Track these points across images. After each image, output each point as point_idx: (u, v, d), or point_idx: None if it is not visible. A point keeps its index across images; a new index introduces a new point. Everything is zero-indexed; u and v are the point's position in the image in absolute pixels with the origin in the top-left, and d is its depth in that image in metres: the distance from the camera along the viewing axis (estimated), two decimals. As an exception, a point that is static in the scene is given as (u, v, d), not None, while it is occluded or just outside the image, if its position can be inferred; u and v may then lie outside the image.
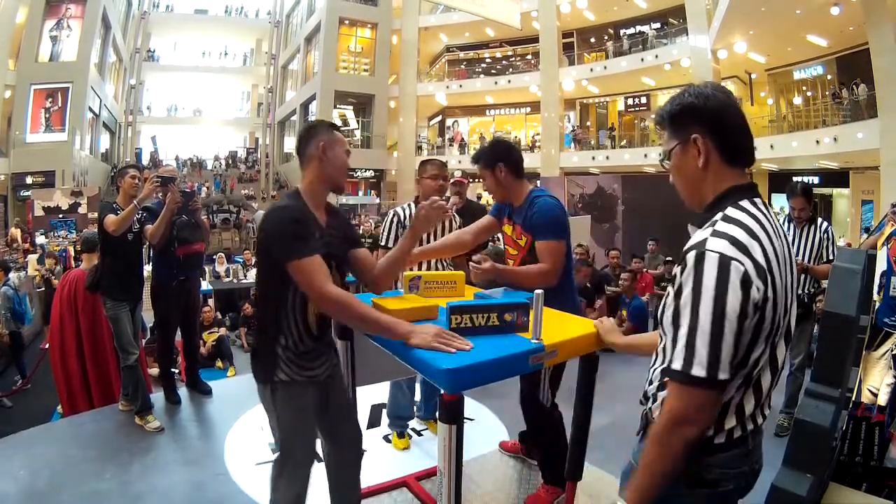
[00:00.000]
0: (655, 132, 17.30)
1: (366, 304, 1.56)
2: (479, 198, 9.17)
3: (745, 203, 1.04)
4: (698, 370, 0.95)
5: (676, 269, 1.02)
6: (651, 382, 1.14)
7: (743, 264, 0.94)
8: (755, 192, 1.07)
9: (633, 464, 1.14)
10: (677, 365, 0.97)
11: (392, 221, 2.89)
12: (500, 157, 2.18)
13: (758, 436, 1.10)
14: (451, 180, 3.68)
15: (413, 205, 2.95)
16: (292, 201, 1.64)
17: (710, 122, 1.05)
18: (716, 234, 0.98)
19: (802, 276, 3.09)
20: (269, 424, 1.75)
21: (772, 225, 1.04)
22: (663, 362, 1.05)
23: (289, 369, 1.63)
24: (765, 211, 1.05)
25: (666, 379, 1.04)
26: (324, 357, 1.73)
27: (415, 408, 3.06)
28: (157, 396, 3.40)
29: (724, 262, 0.94)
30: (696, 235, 1.02)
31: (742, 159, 1.08)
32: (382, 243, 2.93)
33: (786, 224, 3.21)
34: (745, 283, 0.94)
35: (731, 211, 1.02)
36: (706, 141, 1.05)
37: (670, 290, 1.04)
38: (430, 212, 1.76)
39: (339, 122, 21.17)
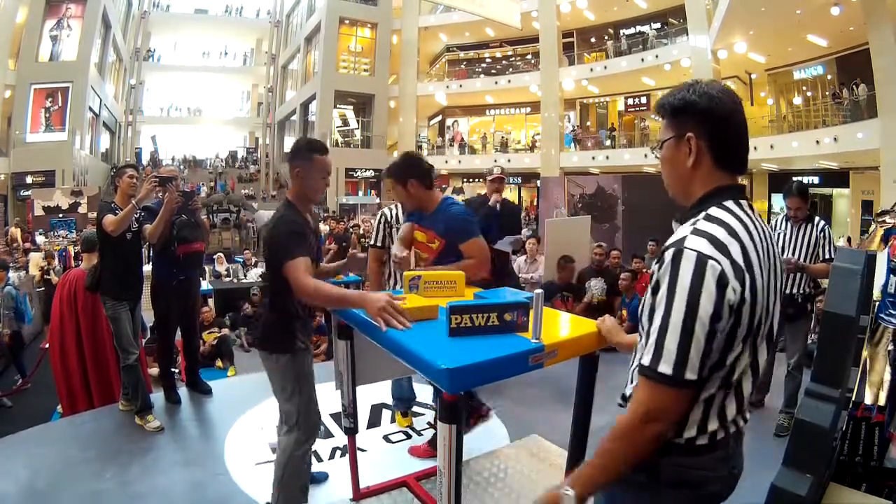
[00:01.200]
0: (656, 131, 17.31)
1: (333, 286, 1.86)
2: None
3: (729, 203, 1.03)
4: (665, 367, 0.94)
5: (654, 266, 1.02)
6: (632, 381, 1.11)
7: (720, 263, 0.93)
8: (742, 194, 1.06)
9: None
10: (646, 360, 0.97)
11: (380, 222, 2.92)
12: (411, 172, 2.36)
13: (739, 439, 1.09)
14: (490, 177, 3.69)
15: (399, 205, 2.95)
16: (287, 212, 2.00)
17: (709, 125, 1.03)
18: (696, 232, 0.97)
19: (798, 276, 3.09)
20: (282, 400, 2.04)
21: (757, 227, 1.03)
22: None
23: (300, 337, 2.02)
24: (749, 213, 1.04)
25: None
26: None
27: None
28: (157, 396, 3.39)
29: (701, 261, 0.93)
30: (677, 233, 1.01)
31: (734, 166, 1.06)
32: (372, 243, 2.95)
33: (784, 223, 3.21)
34: (721, 283, 0.93)
35: (713, 210, 1.02)
36: (699, 143, 1.04)
37: (650, 287, 1.03)
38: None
39: (338, 122, 21.37)
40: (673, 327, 0.94)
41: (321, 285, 1.82)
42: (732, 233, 0.97)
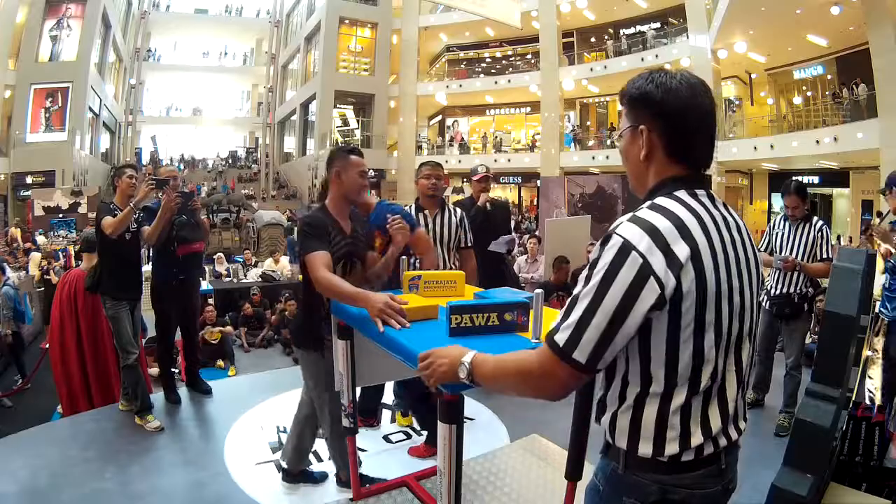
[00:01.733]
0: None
1: (346, 283, 1.87)
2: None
3: (681, 193, 0.96)
4: (560, 337, 0.92)
5: None
6: (603, 384, 1.03)
7: (644, 256, 0.87)
8: (699, 184, 0.99)
9: (597, 482, 1.05)
10: (553, 324, 0.95)
11: None
12: None
13: (731, 454, 1.01)
14: (477, 176, 3.70)
15: (414, 205, 3.01)
16: (315, 212, 2.16)
17: (663, 119, 0.97)
18: (633, 219, 0.92)
19: (795, 274, 3.10)
20: (312, 393, 2.23)
21: (717, 218, 0.96)
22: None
23: (329, 337, 2.10)
24: (707, 203, 0.97)
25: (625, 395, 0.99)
26: None
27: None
28: (157, 396, 3.39)
29: (625, 250, 0.88)
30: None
31: (692, 160, 0.99)
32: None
33: (782, 222, 3.22)
34: (641, 276, 0.86)
35: (660, 199, 0.95)
36: (652, 136, 0.98)
37: None
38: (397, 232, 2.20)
39: (338, 122, 21.35)
40: (580, 304, 0.91)
41: (334, 280, 1.88)
42: (679, 224, 0.90)
